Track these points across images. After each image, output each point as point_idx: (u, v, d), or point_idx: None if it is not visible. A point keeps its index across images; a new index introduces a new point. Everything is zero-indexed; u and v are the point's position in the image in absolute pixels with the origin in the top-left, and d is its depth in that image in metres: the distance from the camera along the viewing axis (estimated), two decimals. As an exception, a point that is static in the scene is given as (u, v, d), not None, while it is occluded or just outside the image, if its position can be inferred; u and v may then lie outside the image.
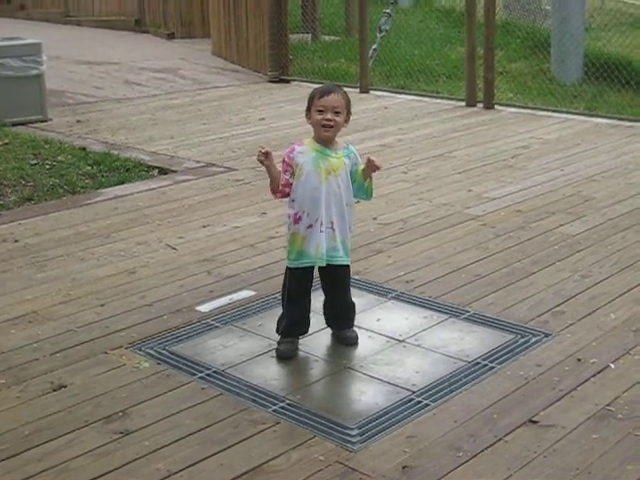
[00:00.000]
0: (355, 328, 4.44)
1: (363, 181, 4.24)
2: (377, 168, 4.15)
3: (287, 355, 4.25)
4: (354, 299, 4.47)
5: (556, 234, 5.93)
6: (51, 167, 7.93)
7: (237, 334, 4.51)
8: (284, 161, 4.21)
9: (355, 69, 12.51)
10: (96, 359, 4.25)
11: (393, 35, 14.14)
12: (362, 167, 4.22)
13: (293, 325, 4.32)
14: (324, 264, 4.22)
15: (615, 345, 4.30)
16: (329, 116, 4.09)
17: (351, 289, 4.49)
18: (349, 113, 4.19)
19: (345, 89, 4.32)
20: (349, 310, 4.43)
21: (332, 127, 4.11)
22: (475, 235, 5.95)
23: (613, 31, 12.29)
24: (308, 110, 4.19)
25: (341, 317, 4.44)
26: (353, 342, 4.37)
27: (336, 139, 4.20)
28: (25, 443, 3.52)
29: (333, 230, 4.20)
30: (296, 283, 4.28)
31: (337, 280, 4.36)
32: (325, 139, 4.16)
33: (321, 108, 4.10)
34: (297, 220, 4.19)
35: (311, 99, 4.16)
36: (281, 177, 4.19)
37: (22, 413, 3.76)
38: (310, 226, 4.17)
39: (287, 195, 4.23)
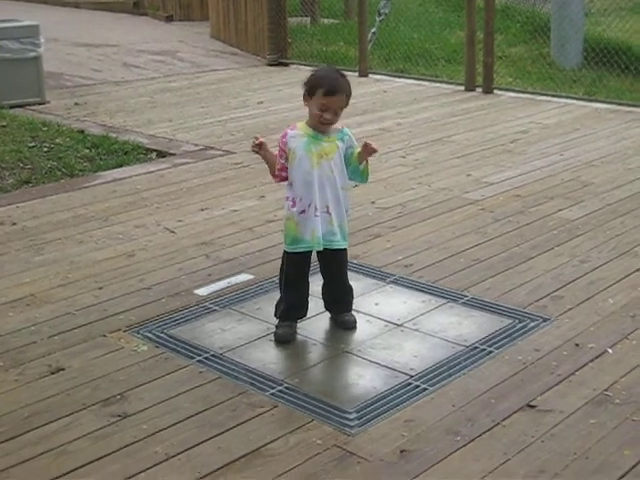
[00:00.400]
0: (353, 312, 4.44)
1: (358, 164, 4.22)
2: (374, 151, 4.13)
3: (285, 339, 4.25)
4: (352, 283, 4.47)
5: (555, 219, 5.92)
6: (49, 150, 7.91)
7: (235, 317, 4.51)
8: (279, 145, 4.20)
9: (354, 52, 12.48)
10: (94, 342, 4.25)
11: (392, 19, 14.10)
12: (358, 150, 4.20)
13: (291, 309, 4.32)
14: (321, 248, 4.21)
15: (613, 330, 4.30)
16: (329, 116, 4.08)
17: (349, 273, 4.49)
18: (348, 101, 4.18)
19: (344, 73, 4.28)
20: (347, 294, 4.43)
21: (330, 124, 4.12)
22: (474, 220, 5.95)
23: (613, 16, 12.25)
24: (309, 95, 4.11)
25: (339, 301, 4.43)
26: (351, 326, 4.37)
27: None
28: (23, 426, 3.53)
29: (329, 214, 4.19)
30: (293, 267, 4.28)
31: (334, 264, 4.35)
32: (321, 130, 4.16)
33: (324, 107, 4.06)
34: (294, 204, 4.18)
35: (314, 87, 4.07)
36: (277, 162, 4.19)
37: (20, 396, 3.76)
38: (303, 212, 4.15)
39: (286, 179, 4.23)
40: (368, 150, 4.13)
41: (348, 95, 4.12)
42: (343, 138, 4.19)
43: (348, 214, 4.32)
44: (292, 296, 4.31)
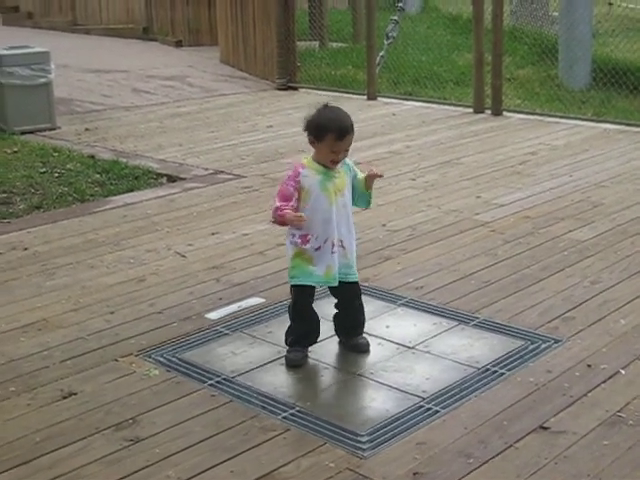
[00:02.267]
0: (365, 335, 4.43)
1: (365, 190, 4.25)
2: (379, 176, 4.18)
3: (296, 363, 4.24)
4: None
5: (565, 240, 5.92)
6: (60, 175, 7.95)
7: (246, 341, 4.51)
8: (288, 184, 4.09)
9: (363, 76, 12.51)
10: (106, 366, 4.25)
11: (400, 42, 14.14)
12: (361, 175, 4.23)
13: (301, 338, 4.31)
14: (336, 284, 4.22)
15: (625, 351, 4.29)
16: (342, 157, 4.12)
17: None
18: None
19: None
20: (360, 317, 4.41)
21: (337, 162, 4.14)
22: (484, 241, 5.95)
23: (621, 36, 12.28)
24: (317, 140, 4.07)
25: (354, 327, 4.42)
26: (364, 349, 4.35)
27: None
28: (36, 450, 3.53)
29: (344, 248, 4.20)
30: (302, 298, 4.26)
31: (351, 296, 4.34)
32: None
33: (336, 150, 4.06)
34: (306, 241, 4.15)
35: (323, 133, 4.04)
36: (288, 204, 4.08)
37: (32, 420, 3.76)
38: (318, 248, 4.15)
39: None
40: (374, 176, 4.18)
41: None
42: (348, 169, 4.23)
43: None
44: (302, 326, 4.30)
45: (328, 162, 4.12)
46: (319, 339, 4.38)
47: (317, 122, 4.08)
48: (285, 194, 4.10)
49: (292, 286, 4.28)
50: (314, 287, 4.27)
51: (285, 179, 4.16)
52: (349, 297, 4.35)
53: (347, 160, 4.22)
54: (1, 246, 6.09)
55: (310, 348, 4.34)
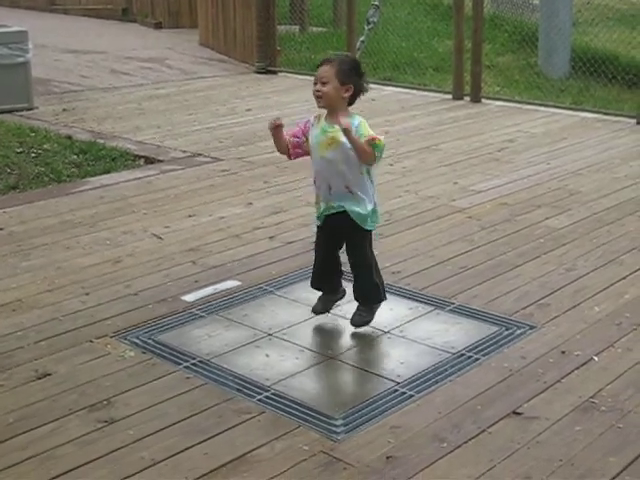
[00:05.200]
0: (344, 319, 4.43)
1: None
2: (346, 130, 4.01)
3: (316, 311, 4.47)
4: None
5: (542, 227, 5.94)
6: (37, 155, 7.89)
7: (222, 324, 4.51)
8: (299, 126, 4.31)
9: (342, 61, 12.48)
10: (81, 348, 4.24)
11: (381, 27, 14.10)
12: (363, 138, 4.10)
13: (314, 275, 4.46)
14: (327, 213, 4.28)
15: (599, 338, 4.32)
16: (317, 87, 4.12)
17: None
18: (345, 82, 4.08)
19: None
20: (364, 282, 4.40)
21: (320, 97, 4.12)
22: (461, 227, 5.96)
23: (600, 26, 12.31)
24: None
25: (355, 290, 4.43)
26: (353, 323, 4.37)
27: (350, 110, 4.16)
28: (9, 431, 3.52)
29: (352, 193, 4.24)
30: (317, 237, 4.44)
31: (353, 243, 4.37)
32: (324, 109, 4.19)
33: (315, 81, 4.15)
34: (314, 183, 4.33)
35: None
36: (290, 140, 4.29)
37: (6, 401, 3.75)
38: (318, 191, 4.31)
39: (301, 155, 4.34)
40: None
41: (337, 69, 4.07)
42: (352, 127, 4.06)
43: (374, 199, 4.40)
44: (315, 262, 4.46)
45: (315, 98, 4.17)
46: (295, 321, 4.43)
47: None
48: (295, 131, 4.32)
49: None
50: (321, 230, 4.34)
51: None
52: (349, 242, 4.37)
53: (357, 119, 4.12)
54: (-24, 226, 6.06)
55: (284, 331, 4.35)
